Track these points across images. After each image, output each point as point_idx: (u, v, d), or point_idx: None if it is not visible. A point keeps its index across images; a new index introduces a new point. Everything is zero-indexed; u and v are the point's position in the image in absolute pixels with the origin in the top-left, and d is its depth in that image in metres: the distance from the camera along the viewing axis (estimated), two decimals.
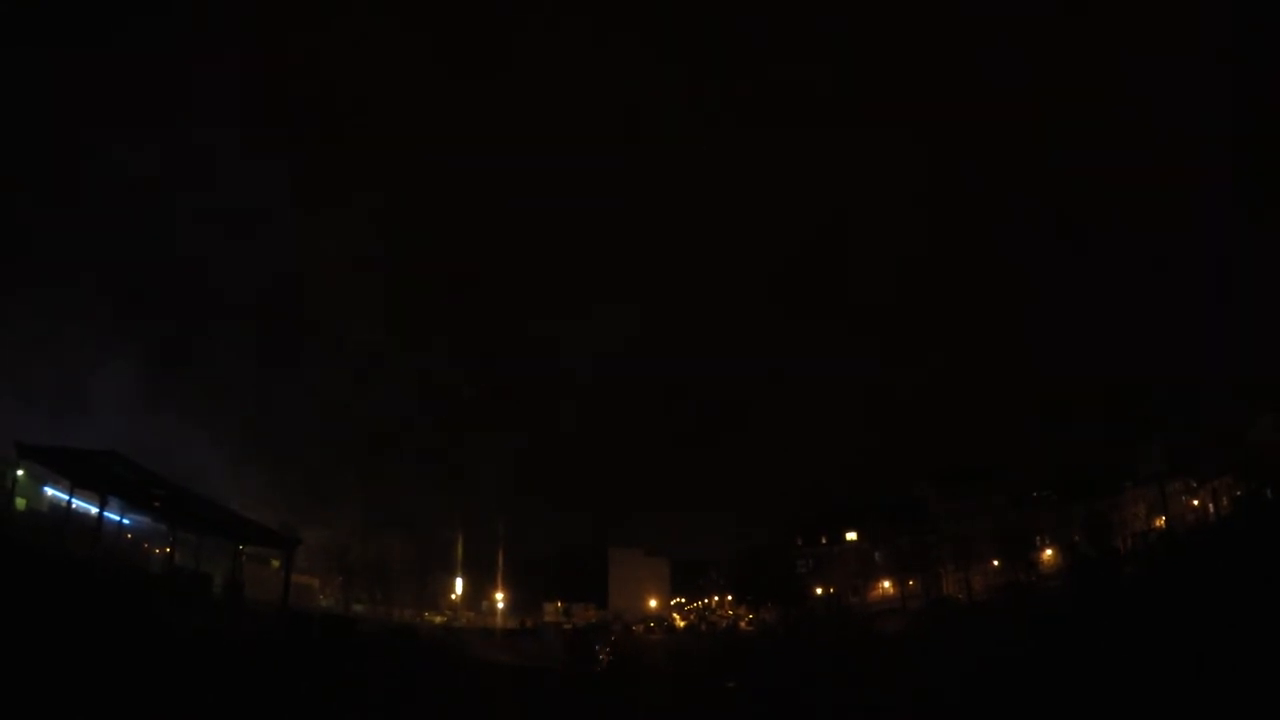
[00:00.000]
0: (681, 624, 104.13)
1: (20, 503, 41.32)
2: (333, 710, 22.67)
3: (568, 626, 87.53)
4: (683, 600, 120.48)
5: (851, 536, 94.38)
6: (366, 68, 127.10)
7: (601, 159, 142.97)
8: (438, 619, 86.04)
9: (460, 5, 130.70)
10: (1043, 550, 68.68)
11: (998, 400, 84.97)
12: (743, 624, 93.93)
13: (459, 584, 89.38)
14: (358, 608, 76.12)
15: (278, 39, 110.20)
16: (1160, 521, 58.19)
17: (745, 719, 26.03)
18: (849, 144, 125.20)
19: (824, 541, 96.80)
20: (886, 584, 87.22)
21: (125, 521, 46.48)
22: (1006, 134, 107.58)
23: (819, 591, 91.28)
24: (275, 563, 58.76)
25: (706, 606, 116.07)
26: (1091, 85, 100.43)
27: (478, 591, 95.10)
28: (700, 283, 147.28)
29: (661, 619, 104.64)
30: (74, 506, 37.90)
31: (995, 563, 70.78)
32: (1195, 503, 57.75)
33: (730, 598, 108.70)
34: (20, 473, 40.15)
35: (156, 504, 41.70)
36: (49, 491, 43.48)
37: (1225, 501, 53.27)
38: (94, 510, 37.67)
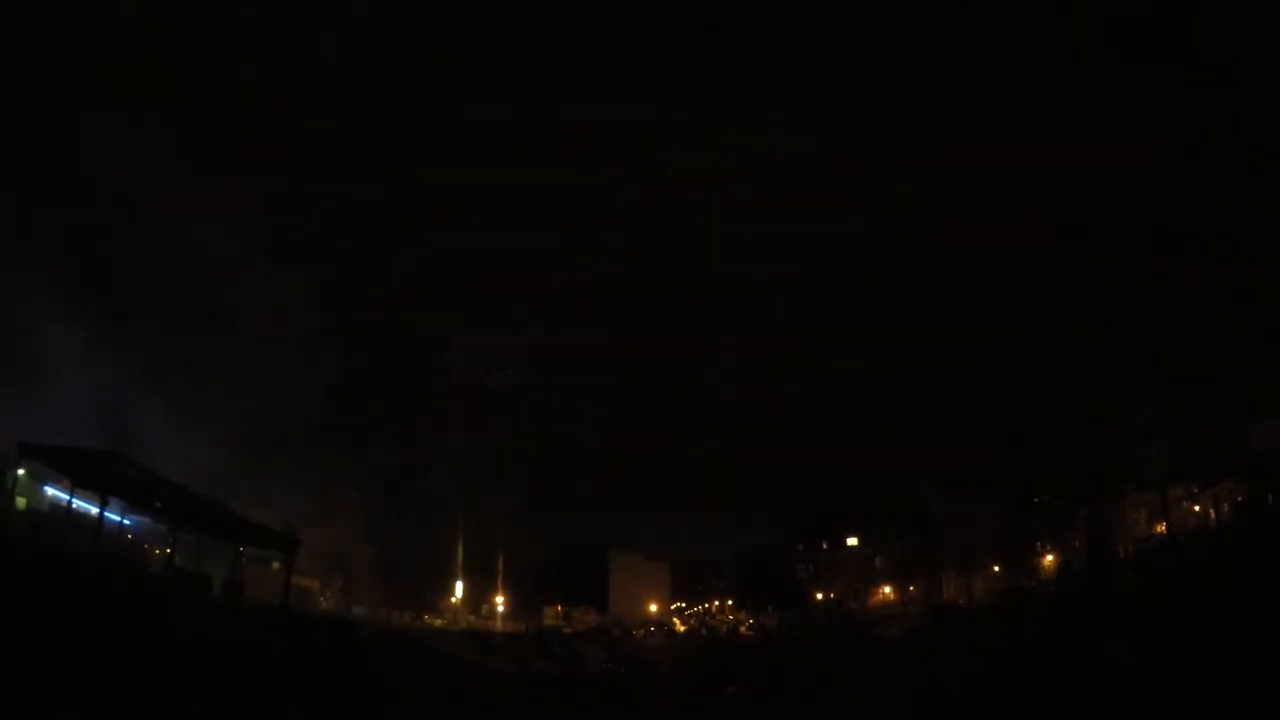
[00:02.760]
0: (682, 628, 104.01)
1: (21, 502, 41.36)
2: (332, 711, 22.69)
3: (567, 630, 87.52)
4: (683, 604, 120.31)
5: (852, 541, 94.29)
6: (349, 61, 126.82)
7: (602, 162, 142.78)
8: (438, 622, 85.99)
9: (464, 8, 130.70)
10: (1044, 555, 68.66)
11: (998, 403, 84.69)
12: (743, 628, 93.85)
13: (459, 587, 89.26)
14: (357, 610, 76.07)
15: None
16: (1161, 527, 58.13)
17: None
18: (847, 155, 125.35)
19: (825, 546, 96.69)
20: (887, 589, 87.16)
21: (126, 522, 46.48)
22: (1002, 140, 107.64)
23: (820, 596, 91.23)
24: (276, 565, 58.74)
25: (707, 611, 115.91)
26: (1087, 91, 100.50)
27: (478, 594, 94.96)
28: (700, 286, 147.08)
29: (662, 623, 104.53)
30: (74, 506, 37.97)
31: (996, 568, 70.76)
32: (1196, 508, 57.66)
33: (731, 602, 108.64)
34: (21, 472, 40.19)
35: (157, 504, 41.79)
36: (49, 491, 43.50)
37: (1226, 507, 53.20)
38: (95, 510, 37.69)
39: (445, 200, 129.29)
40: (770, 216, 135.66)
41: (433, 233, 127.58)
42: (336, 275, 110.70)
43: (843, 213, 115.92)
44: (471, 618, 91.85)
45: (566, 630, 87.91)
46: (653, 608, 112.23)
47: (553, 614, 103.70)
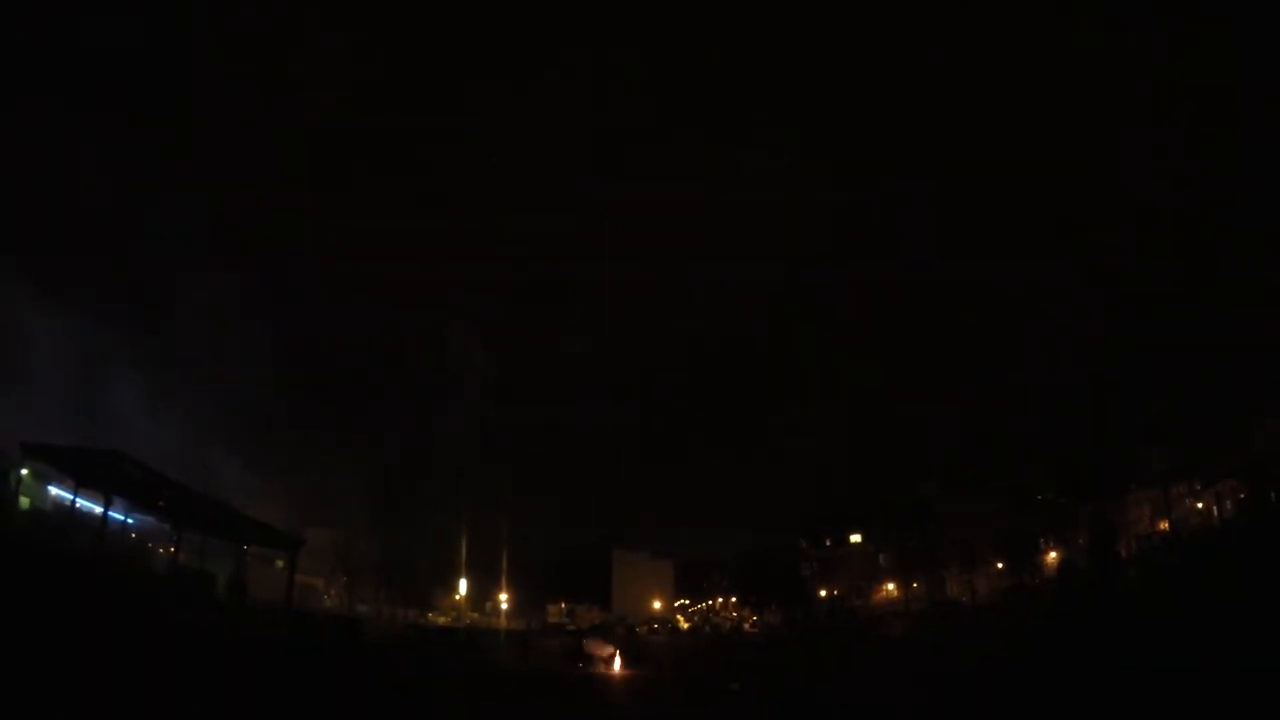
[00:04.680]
0: (685, 625, 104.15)
1: (25, 501, 41.37)
2: (336, 710, 22.73)
3: (571, 628, 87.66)
4: (687, 602, 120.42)
5: (856, 539, 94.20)
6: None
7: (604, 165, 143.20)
8: (441, 620, 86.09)
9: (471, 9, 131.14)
10: (1047, 553, 68.57)
11: (1000, 401, 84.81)
12: (747, 626, 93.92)
13: (463, 585, 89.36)
14: (361, 609, 76.20)
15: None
16: (1164, 524, 58.07)
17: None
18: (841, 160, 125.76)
19: (828, 544, 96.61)
20: (890, 586, 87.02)
21: (130, 521, 46.55)
22: (999, 143, 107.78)
23: (823, 593, 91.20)
24: (280, 563, 58.89)
25: (710, 608, 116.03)
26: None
27: (482, 592, 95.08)
28: (700, 282, 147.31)
29: (665, 620, 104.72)
30: (78, 506, 38.06)
31: (999, 565, 70.63)
32: (1199, 505, 57.58)
33: (734, 599, 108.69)
34: (25, 471, 40.21)
35: (161, 504, 41.86)
36: (53, 491, 43.57)
37: (1229, 505, 53.14)
38: (98, 510, 37.77)
39: (443, 205, 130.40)
40: (768, 220, 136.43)
41: (429, 230, 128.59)
42: (332, 274, 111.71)
43: (840, 214, 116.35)
44: (474, 615, 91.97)
45: (570, 627, 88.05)
46: (656, 605, 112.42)
47: (557, 611, 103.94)
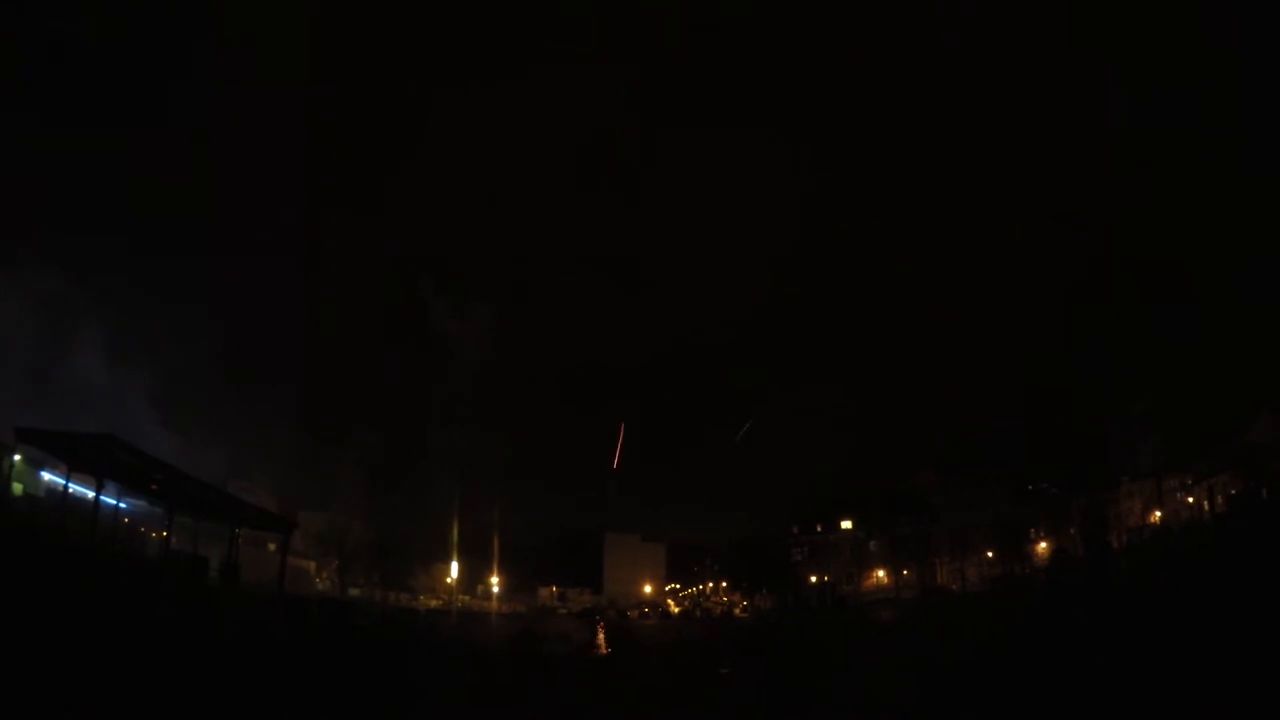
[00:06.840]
0: (676, 610, 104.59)
1: (17, 487, 41.15)
2: (329, 694, 22.73)
3: (563, 611, 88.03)
4: (678, 586, 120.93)
5: (847, 525, 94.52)
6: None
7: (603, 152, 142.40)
8: (433, 603, 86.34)
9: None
10: (1038, 543, 69.09)
11: (998, 394, 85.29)
12: (737, 610, 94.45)
13: (455, 568, 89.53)
14: (354, 592, 76.34)
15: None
16: (1155, 517, 58.54)
17: (738, 705, 26.12)
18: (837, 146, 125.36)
19: (819, 529, 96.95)
20: (881, 573, 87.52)
21: (122, 505, 46.36)
22: (999, 136, 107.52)
23: (813, 579, 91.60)
24: (272, 546, 58.87)
25: (702, 593, 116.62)
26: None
27: (473, 575, 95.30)
28: (697, 274, 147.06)
29: (656, 604, 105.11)
30: (71, 491, 37.81)
31: (990, 554, 71.18)
32: (1191, 499, 58.00)
33: (725, 584, 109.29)
34: (17, 457, 39.98)
35: (154, 488, 41.65)
36: (46, 476, 43.35)
37: (1220, 499, 53.51)
38: (91, 494, 37.56)
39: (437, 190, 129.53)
40: (765, 207, 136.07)
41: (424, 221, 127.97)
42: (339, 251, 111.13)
43: (839, 201, 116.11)
44: (466, 598, 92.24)
45: (563, 611, 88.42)
46: (648, 589, 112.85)
47: (548, 594, 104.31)
